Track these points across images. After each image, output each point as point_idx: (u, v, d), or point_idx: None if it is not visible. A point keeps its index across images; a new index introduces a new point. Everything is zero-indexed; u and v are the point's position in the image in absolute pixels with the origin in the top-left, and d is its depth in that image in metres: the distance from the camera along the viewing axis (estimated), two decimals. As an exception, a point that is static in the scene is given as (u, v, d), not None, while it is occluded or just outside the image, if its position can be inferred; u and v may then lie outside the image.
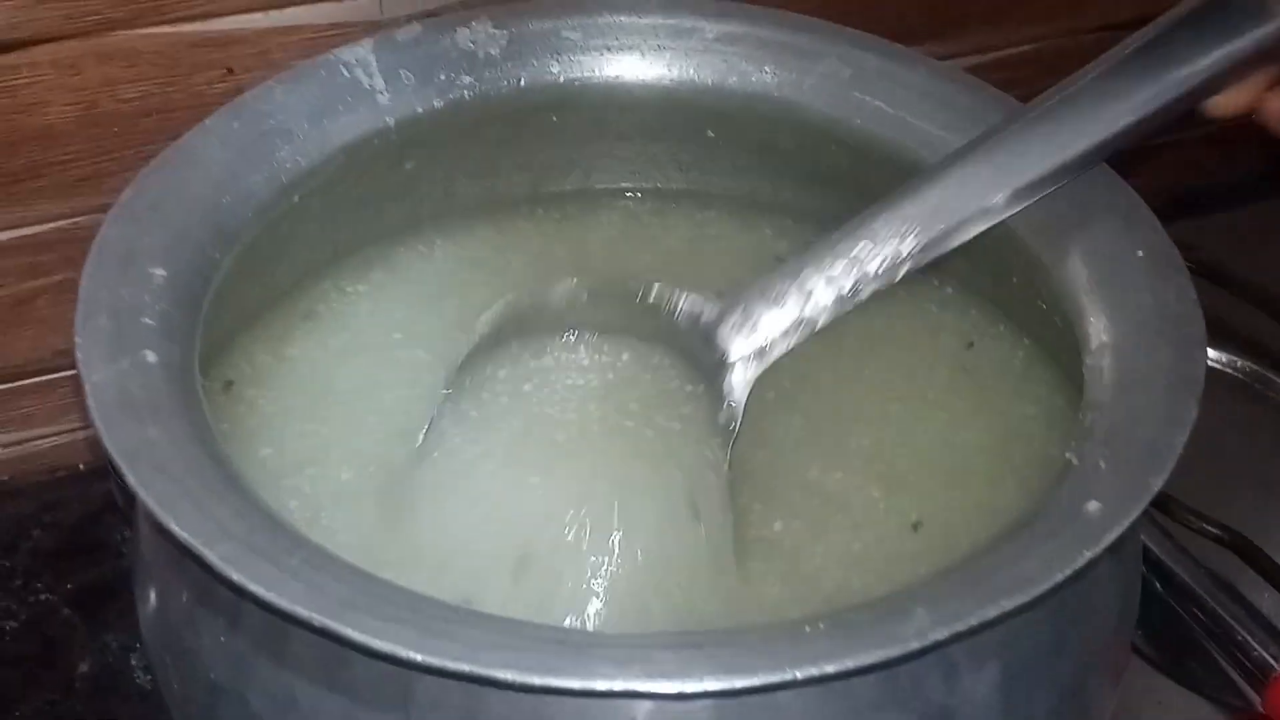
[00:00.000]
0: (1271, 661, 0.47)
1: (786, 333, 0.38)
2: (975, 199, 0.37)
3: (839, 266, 0.38)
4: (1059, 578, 0.27)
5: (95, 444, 0.60)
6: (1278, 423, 0.59)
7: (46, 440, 0.60)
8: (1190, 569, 0.51)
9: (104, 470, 0.58)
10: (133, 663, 0.52)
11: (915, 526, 0.37)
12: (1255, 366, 0.61)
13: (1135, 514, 0.29)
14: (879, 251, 0.38)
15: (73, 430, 0.60)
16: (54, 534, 0.57)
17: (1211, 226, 0.70)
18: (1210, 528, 0.52)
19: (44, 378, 0.58)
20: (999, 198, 0.37)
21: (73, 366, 0.57)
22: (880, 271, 0.38)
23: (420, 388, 0.41)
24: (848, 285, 0.38)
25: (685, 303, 0.40)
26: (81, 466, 0.60)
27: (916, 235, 0.37)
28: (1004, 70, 0.68)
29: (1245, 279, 0.60)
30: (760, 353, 0.39)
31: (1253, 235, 0.68)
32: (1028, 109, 0.39)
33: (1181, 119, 0.39)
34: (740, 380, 0.39)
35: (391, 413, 0.40)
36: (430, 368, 0.41)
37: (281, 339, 0.42)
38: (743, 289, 0.39)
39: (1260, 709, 0.47)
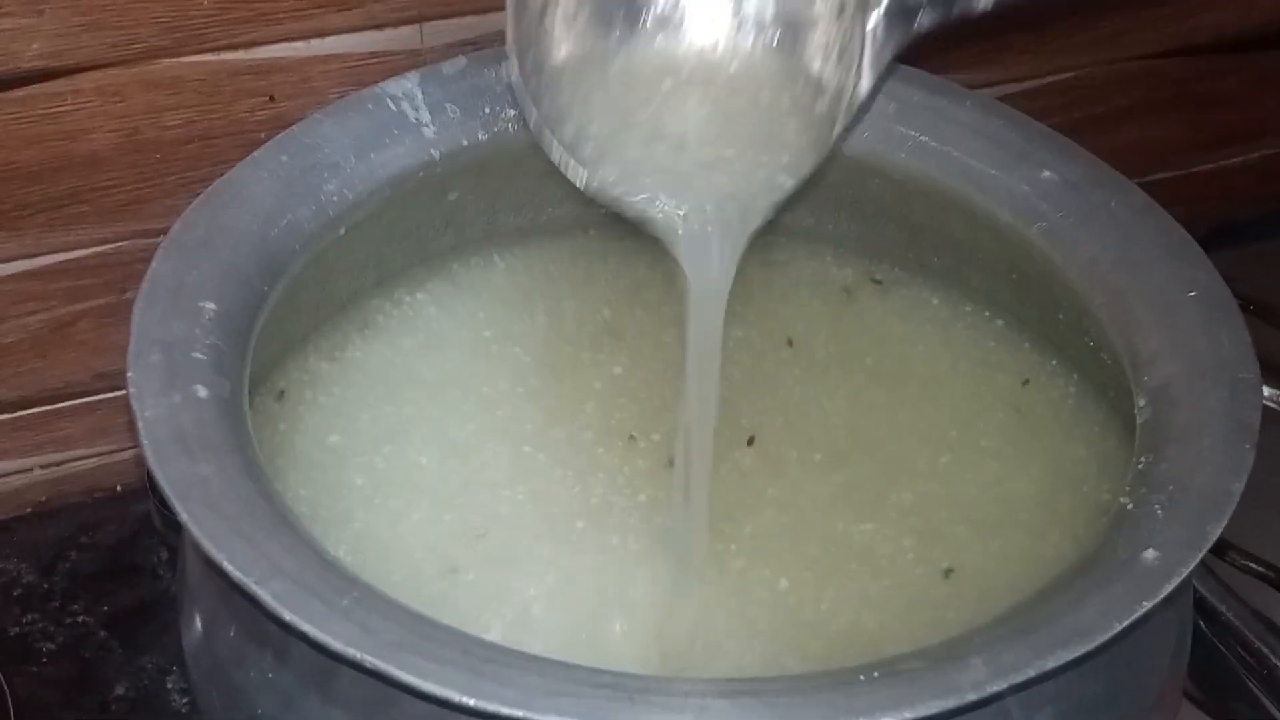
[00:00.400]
0: (1316, 701, 0.47)
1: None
2: None
3: None
4: (1117, 628, 0.27)
5: (134, 465, 0.60)
6: (1321, 458, 0.59)
7: (85, 462, 0.60)
8: (1236, 608, 0.51)
9: (142, 492, 0.58)
10: (169, 686, 0.52)
11: (947, 574, 0.37)
12: (1297, 400, 0.60)
13: (1193, 562, 0.29)
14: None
15: (110, 452, 0.60)
16: (91, 556, 0.57)
17: (1251, 257, 0.69)
18: (1256, 566, 0.51)
19: (82, 400, 0.58)
20: None
21: (111, 389, 0.58)
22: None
23: (515, 381, 0.41)
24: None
25: None
26: (119, 488, 0.60)
27: None
28: (1041, 99, 0.67)
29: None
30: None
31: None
32: None
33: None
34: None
35: (488, 401, 0.41)
36: (522, 362, 0.42)
37: (339, 347, 0.43)
38: None
39: (1302, 749, 0.47)
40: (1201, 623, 0.51)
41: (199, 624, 0.36)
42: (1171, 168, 0.74)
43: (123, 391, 0.57)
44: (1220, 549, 0.51)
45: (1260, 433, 0.57)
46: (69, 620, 0.55)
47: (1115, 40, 0.68)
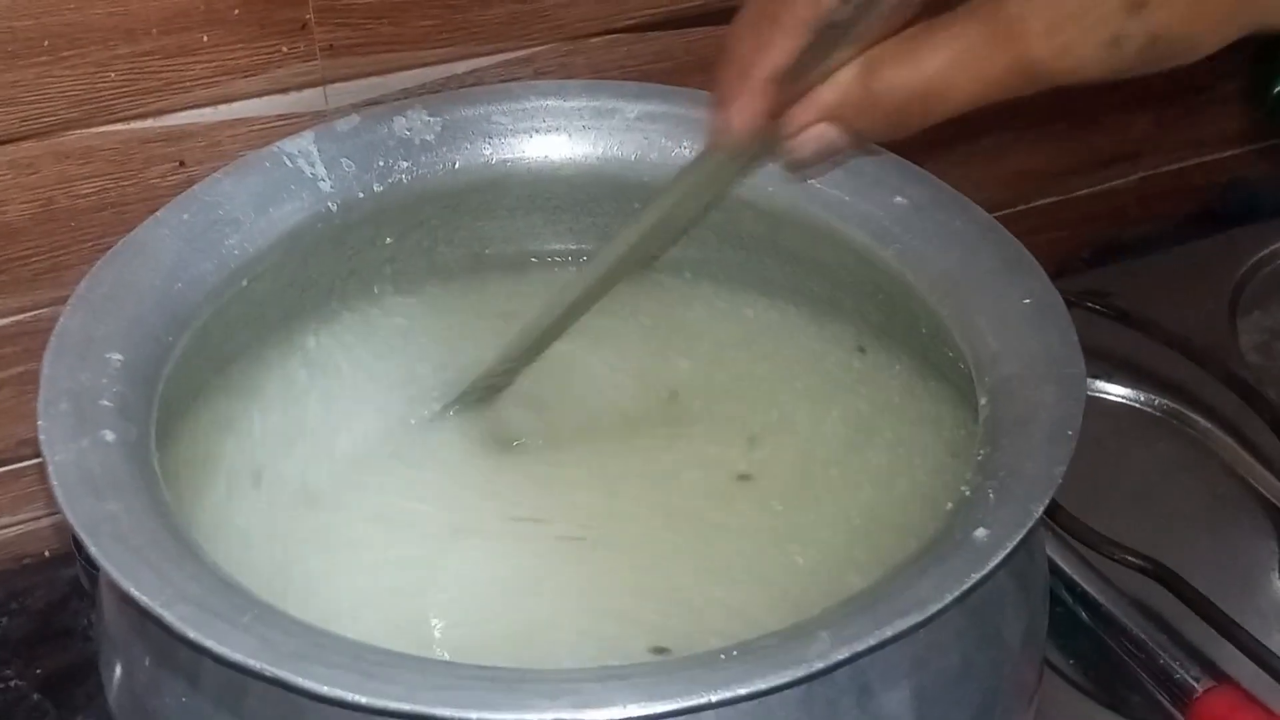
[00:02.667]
0: (1193, 683, 0.50)
1: None
2: None
3: None
4: (949, 599, 0.30)
5: (60, 531, 0.61)
6: (1194, 457, 0.62)
7: (12, 529, 0.61)
8: (1114, 598, 0.53)
9: (69, 557, 0.59)
10: (104, 745, 0.53)
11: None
12: (1172, 403, 0.64)
13: (1018, 538, 0.31)
14: None
15: (37, 518, 0.61)
16: (22, 621, 0.58)
17: (1131, 272, 0.73)
18: (1133, 558, 0.54)
19: (7, 468, 0.59)
20: None
21: (36, 456, 0.59)
22: None
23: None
24: None
25: None
26: (47, 554, 0.61)
27: None
28: (922, 135, 0.71)
29: (1160, 321, 0.63)
30: None
31: (1170, 280, 0.72)
32: None
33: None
34: None
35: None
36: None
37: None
38: None
39: (1186, 729, 0.49)
40: (1084, 614, 0.54)
41: (117, 663, 0.38)
42: (1053, 193, 0.77)
43: (47, 458, 0.58)
44: (1100, 544, 0.54)
45: (1139, 436, 0.62)
46: (1, 685, 0.55)
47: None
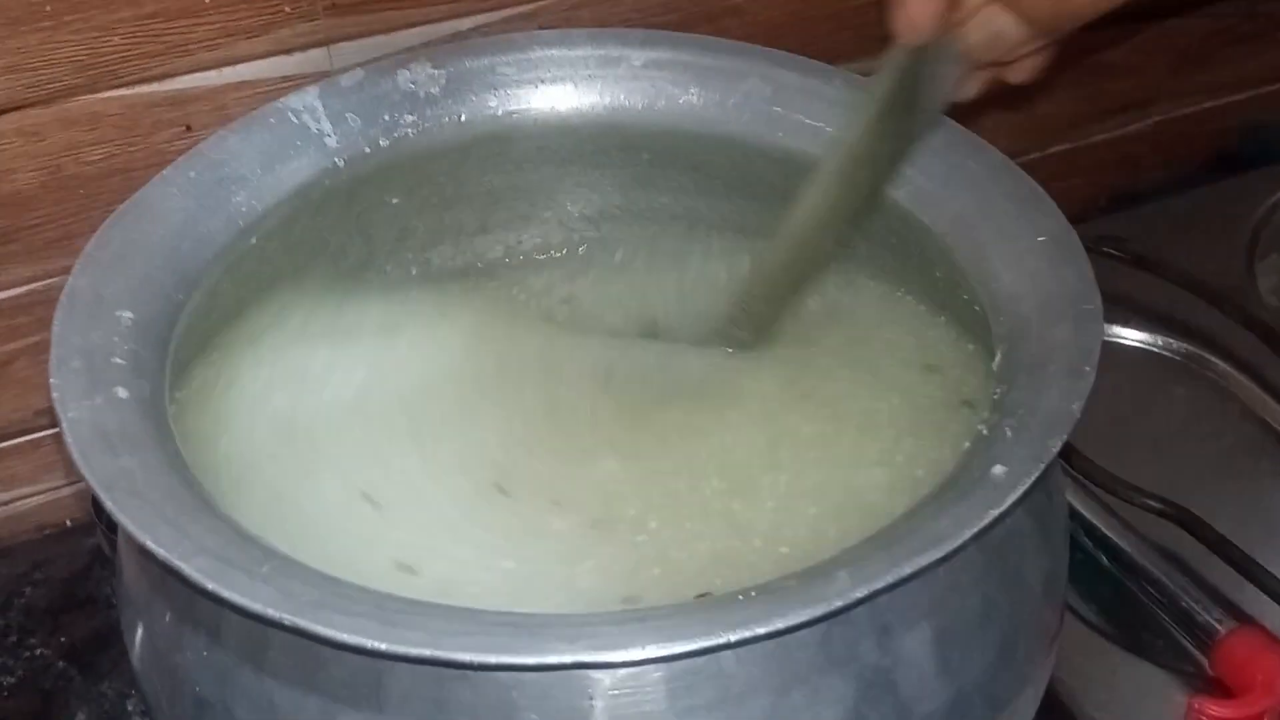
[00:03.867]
0: (1216, 625, 0.49)
1: None
2: None
3: None
4: (967, 535, 0.30)
5: (81, 500, 0.61)
6: (1214, 400, 0.62)
7: (33, 500, 0.61)
8: (1136, 543, 0.53)
9: (90, 526, 0.59)
10: (129, 709, 0.54)
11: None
12: (1191, 347, 0.63)
13: (1036, 473, 0.31)
14: None
15: (57, 488, 0.61)
16: (45, 590, 0.59)
17: (1148, 218, 0.73)
18: (1154, 503, 0.54)
19: (27, 438, 0.60)
20: None
21: (54, 425, 0.59)
22: None
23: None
24: None
25: None
26: (69, 523, 0.62)
27: None
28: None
29: (1178, 265, 0.63)
30: None
31: (1187, 225, 0.71)
32: None
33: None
34: None
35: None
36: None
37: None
38: None
39: (1209, 670, 0.49)
40: (1105, 559, 0.54)
41: (139, 623, 0.38)
42: (1069, 139, 0.77)
43: (65, 426, 0.58)
44: (1121, 490, 0.54)
45: (1159, 380, 0.62)
46: (27, 654, 0.56)
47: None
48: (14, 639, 0.57)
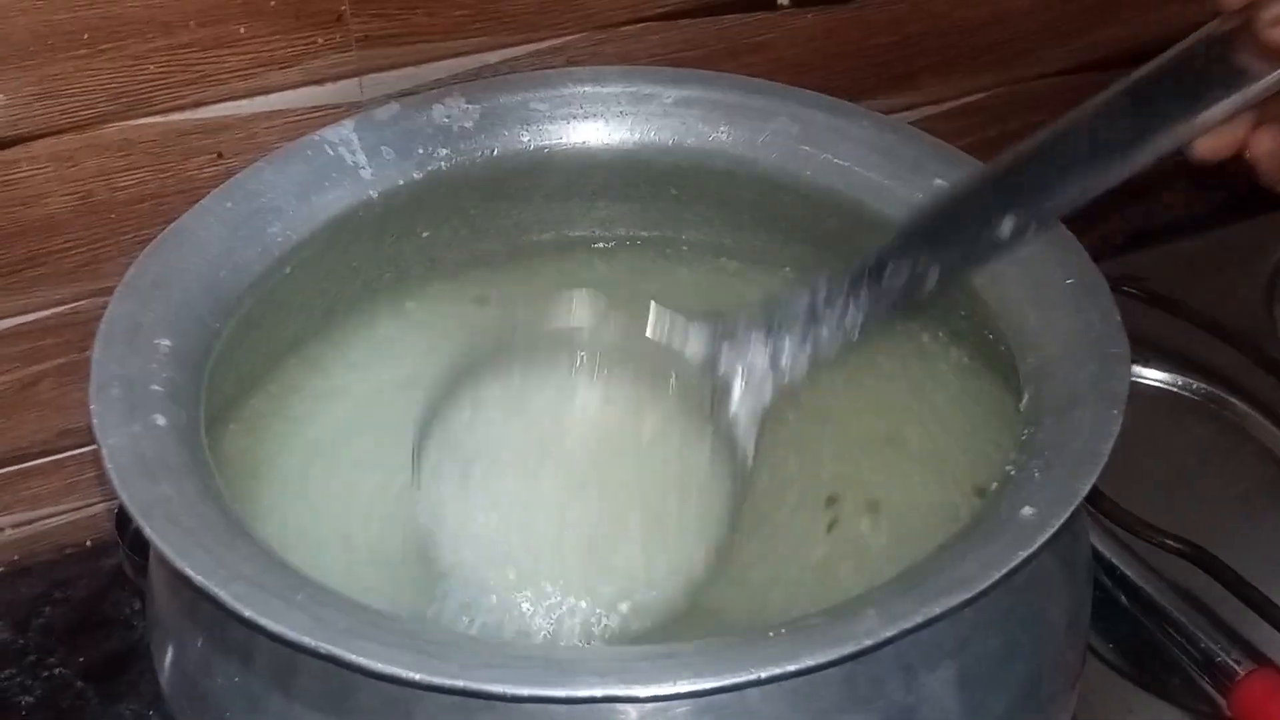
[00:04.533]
0: (1235, 666, 0.49)
1: (789, 366, 0.39)
2: (982, 230, 0.37)
3: (840, 302, 0.38)
4: (995, 577, 0.30)
5: (101, 520, 0.62)
6: (1233, 441, 0.62)
7: (54, 520, 0.62)
8: (1155, 583, 0.53)
9: (111, 546, 0.59)
10: (147, 730, 0.54)
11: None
12: (1210, 388, 0.64)
13: (1065, 515, 0.31)
14: (887, 281, 0.38)
15: (79, 508, 0.62)
16: (65, 610, 0.59)
17: (1166, 257, 0.73)
18: (1172, 543, 0.54)
19: (49, 459, 0.60)
20: (1005, 229, 0.37)
21: (77, 446, 0.60)
22: (883, 304, 0.38)
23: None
24: (851, 319, 0.38)
25: (687, 332, 0.40)
26: (89, 543, 0.62)
27: (918, 268, 0.37)
28: (955, 120, 0.71)
29: (1197, 306, 0.63)
30: (762, 387, 0.39)
31: (1206, 264, 0.71)
32: (1021, 151, 0.38)
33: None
34: (746, 415, 0.39)
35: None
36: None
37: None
38: (742, 319, 0.40)
39: (1227, 712, 0.49)
40: (1124, 599, 0.54)
41: (169, 645, 0.38)
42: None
43: (88, 448, 0.59)
44: (1140, 529, 0.54)
45: (1178, 421, 0.62)
46: (45, 674, 0.56)
47: (1018, 61, 0.71)
48: (33, 658, 0.57)
